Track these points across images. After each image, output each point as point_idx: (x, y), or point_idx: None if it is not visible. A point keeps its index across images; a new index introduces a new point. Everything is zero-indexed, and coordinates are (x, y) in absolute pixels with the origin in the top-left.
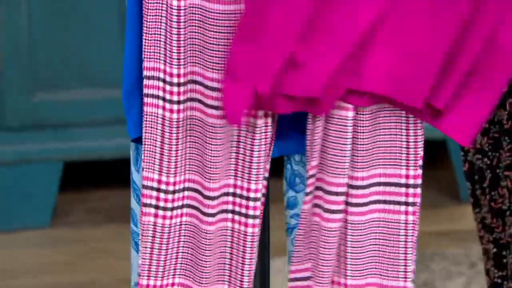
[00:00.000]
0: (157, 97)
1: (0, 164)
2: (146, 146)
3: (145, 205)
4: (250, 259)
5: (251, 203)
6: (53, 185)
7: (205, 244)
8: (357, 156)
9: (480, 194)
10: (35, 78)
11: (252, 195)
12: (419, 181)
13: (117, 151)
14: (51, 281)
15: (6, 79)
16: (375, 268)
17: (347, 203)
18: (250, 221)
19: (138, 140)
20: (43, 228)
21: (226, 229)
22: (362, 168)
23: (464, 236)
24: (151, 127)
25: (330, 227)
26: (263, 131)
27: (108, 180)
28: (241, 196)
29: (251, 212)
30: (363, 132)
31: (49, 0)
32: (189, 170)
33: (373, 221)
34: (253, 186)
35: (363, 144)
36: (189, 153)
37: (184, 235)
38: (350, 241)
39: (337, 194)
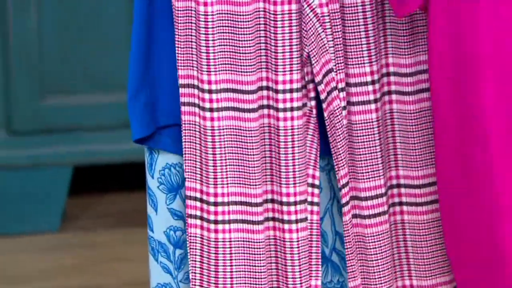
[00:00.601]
0: (194, 104)
1: (9, 168)
2: (186, 155)
3: (190, 216)
4: (292, 266)
5: (285, 208)
6: (62, 189)
7: (258, 254)
8: (411, 155)
9: None
10: (44, 83)
11: (285, 199)
12: None
13: (127, 155)
14: (60, 285)
15: (16, 84)
16: (443, 267)
17: (401, 203)
18: (286, 226)
19: (140, 141)
20: (53, 232)
21: (270, 238)
22: (417, 167)
23: None
24: (190, 136)
25: (373, 232)
26: (289, 133)
27: (117, 184)
28: (278, 202)
29: (286, 217)
30: (413, 131)
31: (59, 6)
32: (231, 183)
33: (434, 220)
34: (284, 190)
35: (414, 143)
36: (229, 164)
37: (236, 252)
38: (411, 241)
39: (376, 197)
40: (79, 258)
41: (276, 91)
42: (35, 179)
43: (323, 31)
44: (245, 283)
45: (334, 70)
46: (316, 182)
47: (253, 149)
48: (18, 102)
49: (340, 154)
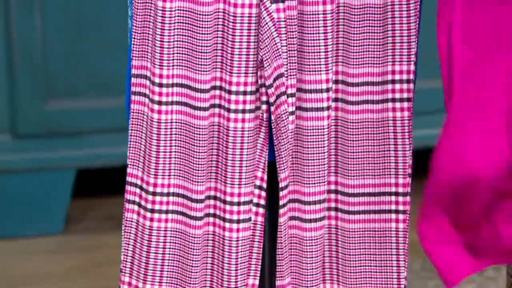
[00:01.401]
0: (144, 95)
1: (13, 171)
2: (131, 143)
3: (129, 201)
4: (228, 264)
5: (227, 207)
6: (66, 192)
7: (193, 249)
8: (347, 163)
9: None
10: (48, 86)
11: (228, 198)
12: (408, 189)
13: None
14: (63, 287)
15: (20, 88)
16: (368, 277)
17: (336, 209)
18: (228, 225)
19: None
20: (56, 234)
21: (209, 233)
22: (352, 176)
23: None
24: (137, 125)
25: (312, 236)
26: (239, 135)
27: (120, 187)
28: (221, 200)
29: (228, 216)
30: (352, 140)
31: (63, 10)
32: (174, 175)
33: (364, 230)
34: (228, 190)
35: (352, 152)
36: (174, 157)
37: (170, 242)
38: (341, 247)
39: (319, 202)
40: (82, 260)
41: (229, 92)
42: (39, 182)
43: (277, 36)
44: (176, 275)
45: (285, 75)
46: (264, 184)
47: (200, 146)
48: (22, 106)
49: (282, 157)
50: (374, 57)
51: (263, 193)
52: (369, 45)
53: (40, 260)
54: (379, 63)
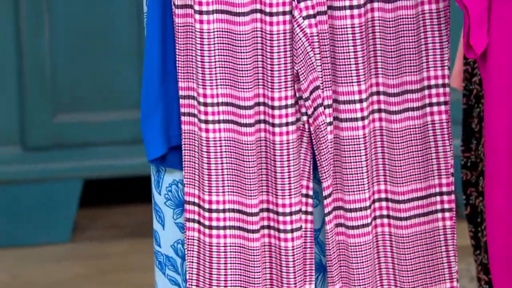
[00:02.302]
0: (193, 115)
1: (23, 182)
2: (185, 162)
3: (188, 220)
4: (287, 272)
5: (280, 218)
6: (73, 202)
7: (254, 261)
8: (395, 171)
9: (482, 237)
10: (56, 100)
11: (280, 209)
12: (452, 187)
13: (134, 169)
14: None
15: (30, 102)
16: (423, 277)
17: (388, 216)
18: (282, 235)
19: (157, 162)
20: (64, 243)
21: (265, 245)
22: (401, 183)
23: (465, 252)
24: (189, 144)
25: (356, 243)
26: (285, 147)
27: (125, 197)
28: (274, 211)
29: (281, 227)
30: (398, 149)
31: (70, 30)
32: (228, 191)
33: (416, 234)
34: (280, 201)
35: (399, 160)
36: (226, 174)
37: (231, 256)
38: (396, 253)
39: (360, 209)
40: (89, 267)
41: (272, 107)
42: (47, 192)
43: (311, 50)
44: (240, 287)
45: (321, 87)
46: (310, 192)
47: (249, 161)
48: (32, 120)
49: (324, 166)
50: (411, 66)
51: (310, 201)
52: (405, 54)
53: (49, 267)
54: (416, 71)
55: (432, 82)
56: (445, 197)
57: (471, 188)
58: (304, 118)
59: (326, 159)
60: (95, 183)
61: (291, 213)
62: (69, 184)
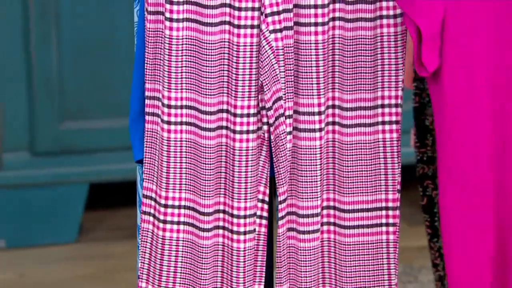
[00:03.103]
0: (157, 115)
1: (31, 186)
2: (146, 159)
3: (144, 213)
4: (237, 272)
5: (235, 220)
6: (79, 205)
7: (203, 258)
8: (343, 182)
9: (439, 226)
10: (63, 109)
11: (235, 212)
12: (398, 203)
13: (136, 173)
14: None
15: (38, 110)
16: (363, 285)
17: (334, 224)
18: (235, 236)
19: (140, 162)
20: (70, 243)
21: (218, 244)
22: (347, 193)
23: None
24: (151, 142)
25: (305, 247)
26: (244, 154)
27: (128, 200)
28: (228, 213)
29: (235, 228)
30: (347, 161)
31: (76, 42)
32: (184, 190)
33: (359, 243)
34: (235, 204)
35: (347, 171)
36: (184, 173)
37: (182, 250)
38: (339, 259)
39: (312, 216)
40: (94, 267)
41: (235, 115)
42: (54, 196)
43: (276, 63)
44: (188, 282)
45: (284, 98)
46: (266, 198)
47: (207, 164)
48: (40, 127)
49: (281, 173)
50: (366, 84)
51: (266, 206)
52: (361, 72)
53: (55, 266)
54: (370, 89)
55: (386, 101)
56: (390, 212)
57: (427, 180)
58: (265, 127)
59: (284, 167)
60: (100, 187)
61: (245, 216)
62: (75, 188)
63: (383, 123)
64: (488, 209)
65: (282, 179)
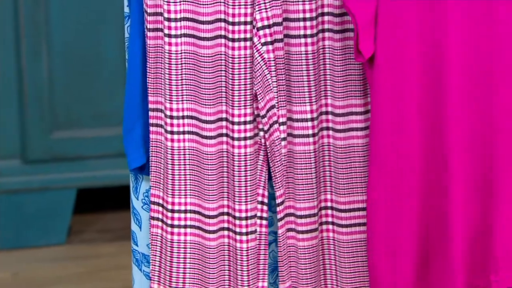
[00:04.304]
0: (161, 126)
1: (24, 191)
2: (152, 167)
3: (153, 218)
4: (241, 270)
5: (237, 222)
6: (68, 208)
7: (210, 258)
8: (338, 183)
9: None
10: (53, 118)
11: (237, 214)
12: None
13: (123, 179)
14: None
15: (29, 119)
16: (361, 280)
17: (332, 223)
18: (238, 237)
19: (136, 170)
20: (60, 245)
21: (224, 244)
22: (343, 194)
23: None
24: (156, 152)
25: (304, 245)
26: (242, 159)
27: (115, 204)
28: (232, 215)
29: (238, 229)
30: (341, 163)
31: (66, 54)
32: (190, 195)
33: (355, 240)
34: (237, 207)
35: (342, 173)
36: (188, 179)
37: (190, 252)
38: (338, 256)
39: (309, 216)
40: (83, 267)
41: (233, 123)
42: (45, 200)
43: (268, 73)
44: (197, 281)
45: (277, 106)
46: (265, 200)
47: (210, 170)
48: (31, 135)
49: (278, 177)
50: (356, 90)
51: (265, 207)
52: (351, 80)
53: (46, 266)
54: (361, 96)
55: None
56: None
57: None
58: (262, 133)
59: (280, 171)
60: (88, 192)
61: (246, 218)
62: (65, 193)
63: None
64: (412, 209)
65: (278, 182)
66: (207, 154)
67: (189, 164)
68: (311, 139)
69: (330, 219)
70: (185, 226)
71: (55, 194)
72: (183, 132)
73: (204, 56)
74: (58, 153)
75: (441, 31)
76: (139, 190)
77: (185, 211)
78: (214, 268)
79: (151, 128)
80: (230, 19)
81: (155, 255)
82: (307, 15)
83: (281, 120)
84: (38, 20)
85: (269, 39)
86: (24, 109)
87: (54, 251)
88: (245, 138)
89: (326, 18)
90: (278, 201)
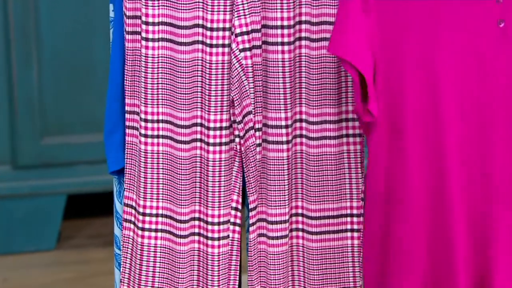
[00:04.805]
0: (136, 129)
1: (14, 197)
2: (127, 170)
3: (126, 220)
4: (212, 275)
5: (209, 227)
6: (58, 214)
7: (180, 263)
8: (310, 191)
9: None
10: (43, 125)
11: (210, 219)
12: (362, 210)
13: (112, 185)
14: None
15: (19, 125)
16: (329, 287)
17: (302, 230)
18: (210, 242)
19: (117, 173)
20: (50, 250)
21: (194, 249)
22: (313, 202)
23: None
24: (131, 154)
25: (274, 251)
26: (217, 164)
27: (104, 210)
28: (204, 221)
29: (210, 235)
30: (313, 171)
31: (56, 63)
32: (162, 199)
33: (325, 248)
34: (210, 212)
35: (313, 181)
36: (161, 183)
37: (160, 256)
38: (307, 263)
39: (281, 222)
40: (73, 272)
41: (208, 128)
42: (35, 206)
43: (246, 79)
44: (166, 286)
45: (253, 112)
46: (239, 206)
47: (183, 174)
48: (21, 142)
49: (251, 183)
50: (331, 99)
51: (239, 214)
52: (326, 89)
53: (36, 271)
54: (335, 104)
55: (350, 116)
56: (355, 219)
57: None
58: (238, 139)
59: (254, 176)
60: (78, 198)
61: (219, 223)
62: (55, 198)
63: (347, 135)
64: (419, 224)
65: (252, 188)
66: (181, 159)
67: (162, 168)
68: (284, 146)
69: (300, 226)
70: (156, 230)
71: (45, 199)
72: (158, 136)
73: (181, 61)
74: (48, 159)
75: (434, 50)
76: (122, 194)
77: (157, 215)
78: (184, 273)
79: (127, 131)
80: (209, 25)
81: (126, 258)
82: (285, 22)
83: (257, 126)
84: (28, 27)
85: (247, 45)
86: (15, 115)
87: (44, 256)
88: (220, 144)
89: (303, 26)
90: (251, 206)
